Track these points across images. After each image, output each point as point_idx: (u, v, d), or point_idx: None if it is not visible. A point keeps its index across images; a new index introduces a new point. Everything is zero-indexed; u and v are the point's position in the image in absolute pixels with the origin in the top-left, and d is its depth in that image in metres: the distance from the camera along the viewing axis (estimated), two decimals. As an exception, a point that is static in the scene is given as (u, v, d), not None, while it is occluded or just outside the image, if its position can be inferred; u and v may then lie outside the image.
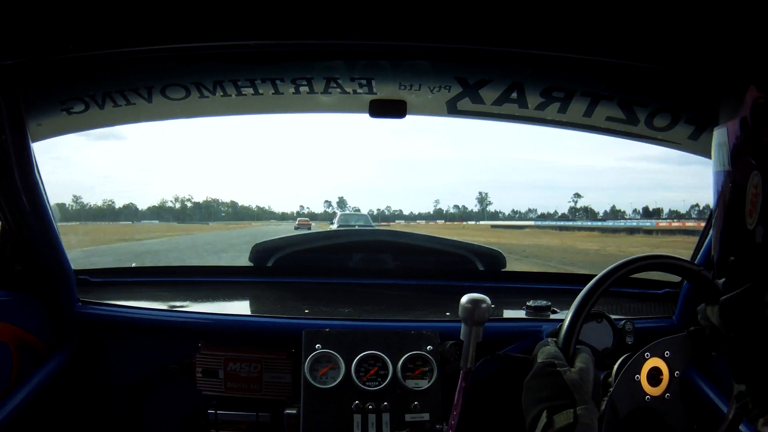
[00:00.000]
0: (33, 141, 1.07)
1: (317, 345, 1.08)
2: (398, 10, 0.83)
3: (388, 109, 1.25)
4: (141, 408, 1.27)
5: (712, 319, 0.79)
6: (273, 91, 1.19)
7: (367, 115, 1.27)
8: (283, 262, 1.60)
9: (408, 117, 1.28)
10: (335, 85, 1.17)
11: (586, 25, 0.86)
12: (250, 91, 1.18)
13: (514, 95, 1.18)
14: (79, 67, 1.01)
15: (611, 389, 0.89)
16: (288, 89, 1.18)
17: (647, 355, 0.90)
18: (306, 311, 1.23)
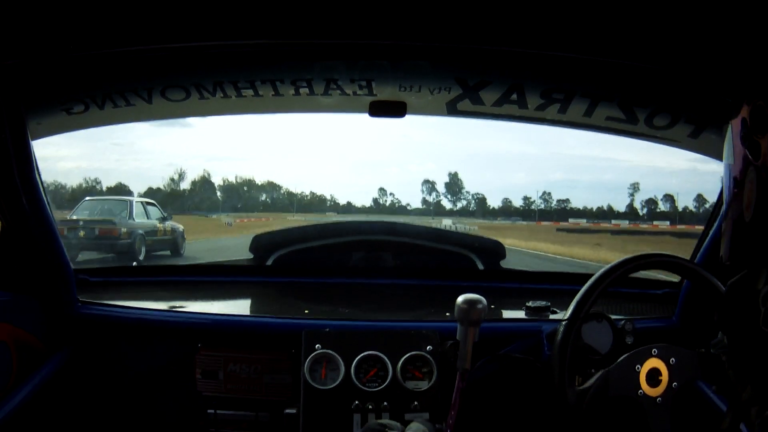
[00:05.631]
0: (32, 139, 1.07)
1: (317, 345, 1.08)
2: (398, 10, 0.83)
3: (388, 109, 1.25)
4: (140, 409, 1.27)
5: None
6: (273, 93, 1.18)
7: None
8: (282, 262, 1.61)
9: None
10: (335, 87, 1.17)
11: (586, 26, 0.87)
12: (250, 92, 1.18)
13: (514, 96, 1.18)
14: (79, 67, 1.01)
15: (610, 366, 0.89)
16: (288, 91, 1.18)
17: (654, 351, 0.90)
18: (306, 311, 1.23)
